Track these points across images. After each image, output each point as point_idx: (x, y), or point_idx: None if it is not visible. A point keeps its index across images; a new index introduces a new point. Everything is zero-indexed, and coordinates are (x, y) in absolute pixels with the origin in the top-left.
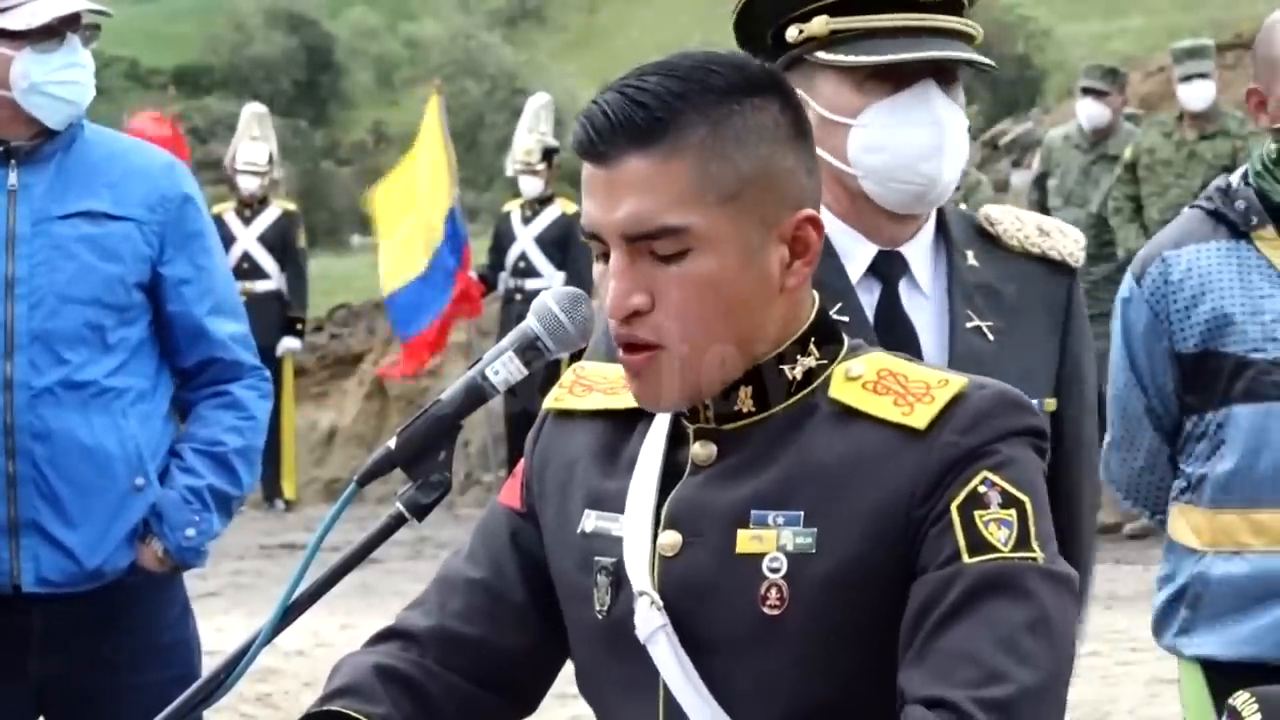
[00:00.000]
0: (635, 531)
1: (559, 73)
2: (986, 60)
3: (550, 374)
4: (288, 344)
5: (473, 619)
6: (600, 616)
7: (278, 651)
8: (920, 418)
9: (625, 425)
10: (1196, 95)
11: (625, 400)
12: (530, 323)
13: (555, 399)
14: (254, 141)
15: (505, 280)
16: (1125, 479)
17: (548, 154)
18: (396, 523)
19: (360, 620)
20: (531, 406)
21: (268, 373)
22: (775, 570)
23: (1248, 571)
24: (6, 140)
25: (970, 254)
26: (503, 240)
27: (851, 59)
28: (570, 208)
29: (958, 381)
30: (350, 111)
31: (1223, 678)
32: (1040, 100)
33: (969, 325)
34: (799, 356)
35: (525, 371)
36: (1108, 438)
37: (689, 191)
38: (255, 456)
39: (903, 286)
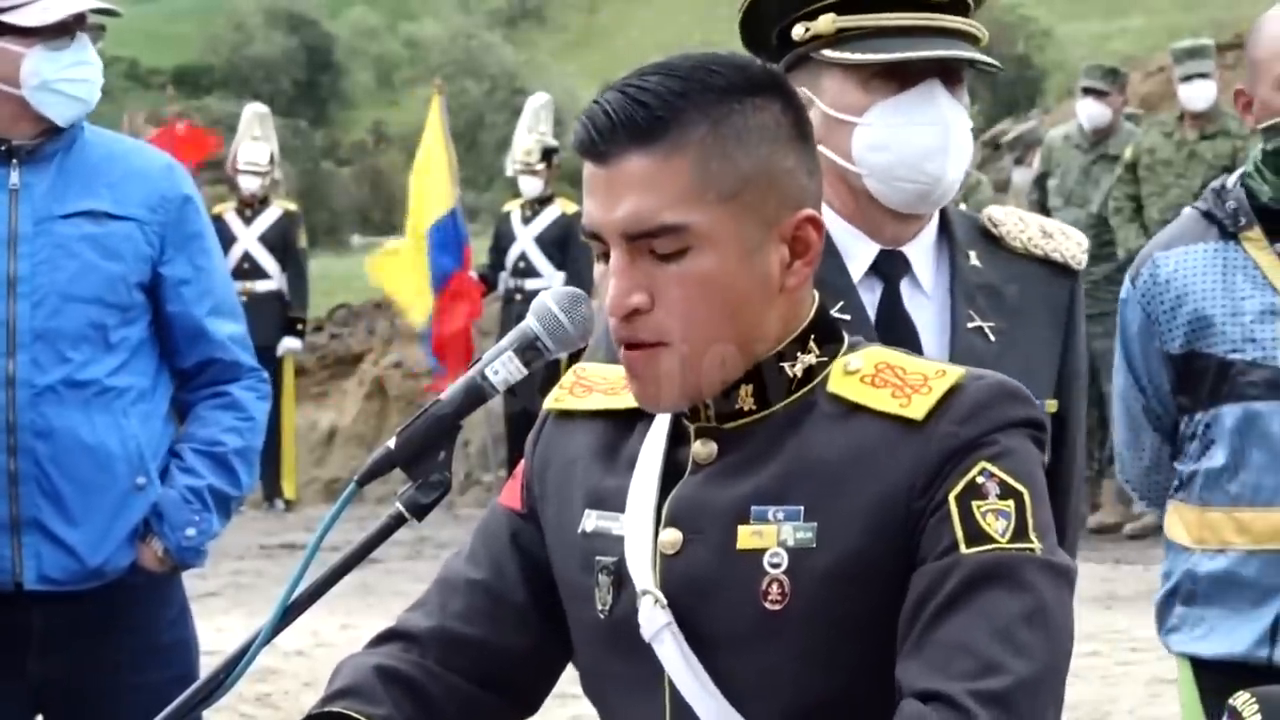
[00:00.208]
0: (637, 530)
1: (559, 73)
2: (993, 61)
3: (550, 374)
4: (288, 344)
5: (474, 620)
6: (602, 616)
7: (278, 651)
8: (917, 409)
9: (625, 425)
10: (1197, 95)
11: (625, 400)
12: (530, 323)
13: (555, 400)
14: (255, 141)
15: (505, 280)
16: (1137, 479)
17: (547, 154)
18: (396, 523)
19: (360, 620)
20: (531, 406)
21: (265, 374)
22: (776, 565)
23: (1229, 570)
24: (9, 139)
25: (973, 254)
26: (503, 240)
27: (859, 57)
28: (570, 208)
29: (955, 373)
30: (350, 111)
31: (1208, 675)
32: (1040, 100)
33: (970, 325)
34: (799, 354)
35: (525, 371)
36: (1118, 439)
37: (689, 190)
38: (254, 457)
39: (904, 286)
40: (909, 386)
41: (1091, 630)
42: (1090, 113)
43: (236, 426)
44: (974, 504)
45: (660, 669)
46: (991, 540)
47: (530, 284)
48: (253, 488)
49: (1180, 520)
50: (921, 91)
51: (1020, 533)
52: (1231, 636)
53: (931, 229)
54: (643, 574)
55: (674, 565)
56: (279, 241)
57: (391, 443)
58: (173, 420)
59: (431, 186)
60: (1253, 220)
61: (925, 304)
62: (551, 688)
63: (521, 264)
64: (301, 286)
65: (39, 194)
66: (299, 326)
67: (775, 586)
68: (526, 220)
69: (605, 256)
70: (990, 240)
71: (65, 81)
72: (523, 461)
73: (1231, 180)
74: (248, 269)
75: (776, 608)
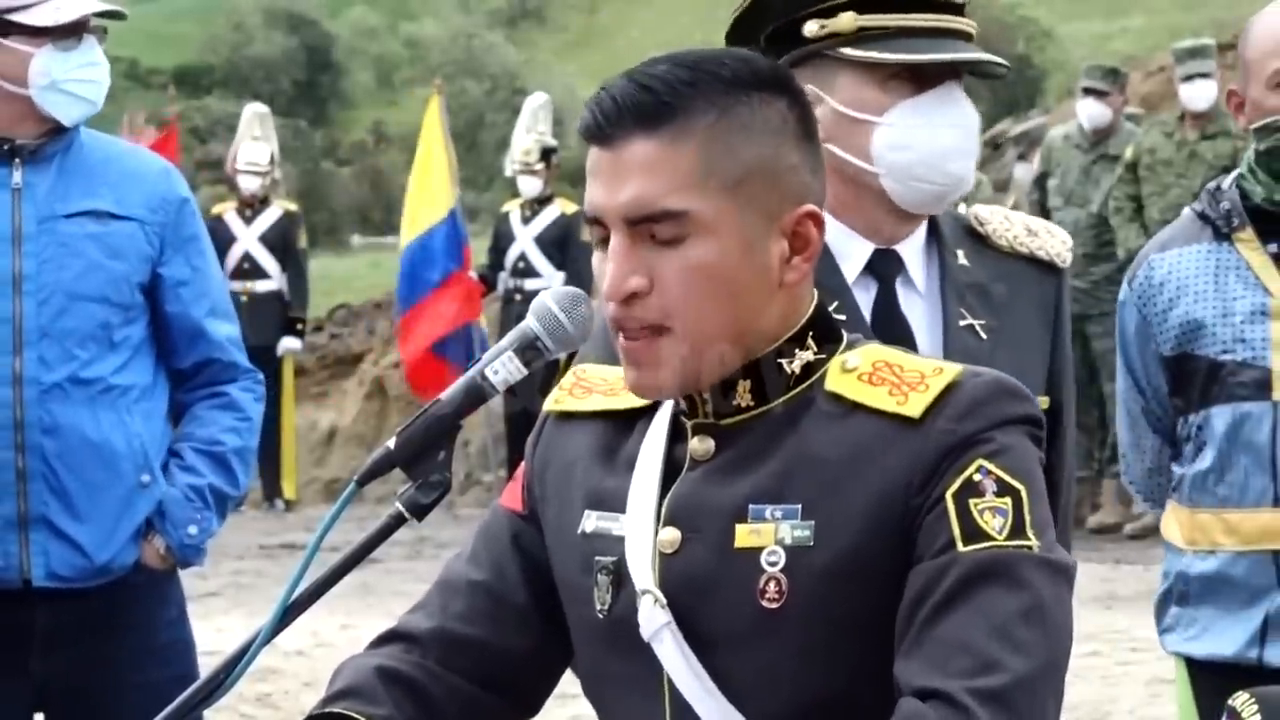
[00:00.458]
0: (637, 530)
1: (559, 73)
2: (1005, 63)
3: (550, 374)
4: (288, 344)
5: (474, 621)
6: (601, 616)
7: (278, 651)
8: (914, 406)
9: (625, 426)
10: (1198, 95)
11: (625, 401)
12: (530, 323)
13: (555, 401)
14: (255, 141)
15: (505, 280)
16: (1140, 480)
17: (546, 154)
18: (396, 523)
19: (360, 620)
20: (531, 406)
21: (261, 375)
22: (774, 564)
23: (1220, 571)
24: (11, 139)
25: (960, 253)
26: (502, 240)
27: (884, 56)
28: (570, 208)
29: (953, 370)
30: (350, 111)
31: (1201, 675)
32: (1041, 100)
33: (962, 323)
34: (797, 351)
35: (525, 371)
36: (1122, 440)
37: (693, 176)
38: (251, 458)
39: (898, 285)
40: (906, 384)
41: (1091, 630)
42: (1091, 113)
43: (235, 426)
44: (971, 501)
45: (660, 668)
46: (989, 538)
47: (530, 284)
48: (249, 488)
49: (1175, 521)
50: (941, 93)
51: (1018, 530)
52: (1222, 637)
53: (922, 229)
54: (642, 573)
55: (672, 564)
56: (279, 241)
57: (391, 443)
58: (169, 420)
59: (430, 187)
60: (1245, 221)
61: (918, 302)
62: (552, 689)
63: (521, 264)
64: (301, 286)
65: (41, 193)
66: (299, 326)
67: (773, 585)
68: (526, 220)
69: (605, 243)
70: (977, 239)
71: (74, 82)
72: (523, 463)
73: (1227, 181)
74: (248, 269)
75: (774, 606)
